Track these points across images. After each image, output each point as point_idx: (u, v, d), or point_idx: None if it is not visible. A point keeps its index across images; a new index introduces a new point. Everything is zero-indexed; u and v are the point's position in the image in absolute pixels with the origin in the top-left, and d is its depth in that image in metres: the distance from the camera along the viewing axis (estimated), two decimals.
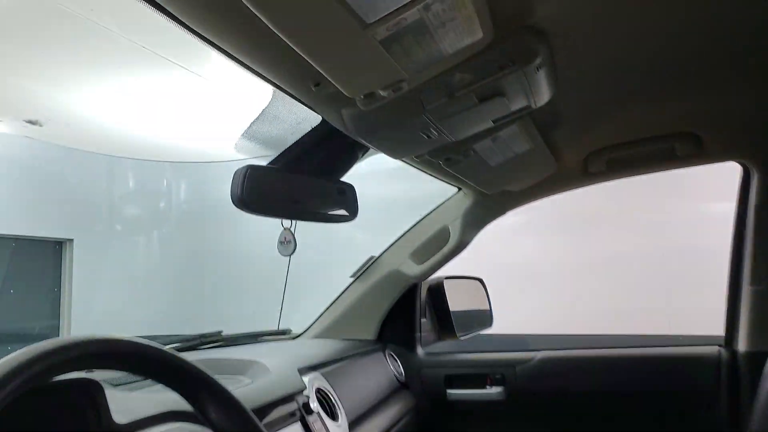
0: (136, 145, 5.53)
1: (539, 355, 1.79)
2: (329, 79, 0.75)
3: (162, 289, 5.80)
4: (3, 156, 4.77)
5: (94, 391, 0.70)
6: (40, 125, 4.62)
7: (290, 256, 1.16)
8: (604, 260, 4.08)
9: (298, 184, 1.11)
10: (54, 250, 5.28)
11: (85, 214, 5.44)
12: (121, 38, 3.66)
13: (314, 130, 1.15)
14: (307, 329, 1.95)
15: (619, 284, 4.02)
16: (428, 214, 1.83)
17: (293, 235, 1.16)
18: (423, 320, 1.97)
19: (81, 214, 5.39)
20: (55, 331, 5.27)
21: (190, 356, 1.48)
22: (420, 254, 1.80)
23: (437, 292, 1.96)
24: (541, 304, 4.16)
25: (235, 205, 1.00)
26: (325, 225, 1.25)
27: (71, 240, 5.30)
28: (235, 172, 1.02)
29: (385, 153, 1.16)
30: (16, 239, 4.89)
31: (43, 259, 5.21)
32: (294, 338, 1.95)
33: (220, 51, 0.76)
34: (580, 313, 4.05)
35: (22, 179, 4.93)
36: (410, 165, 1.36)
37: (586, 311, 4.05)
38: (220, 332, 1.72)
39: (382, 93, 0.82)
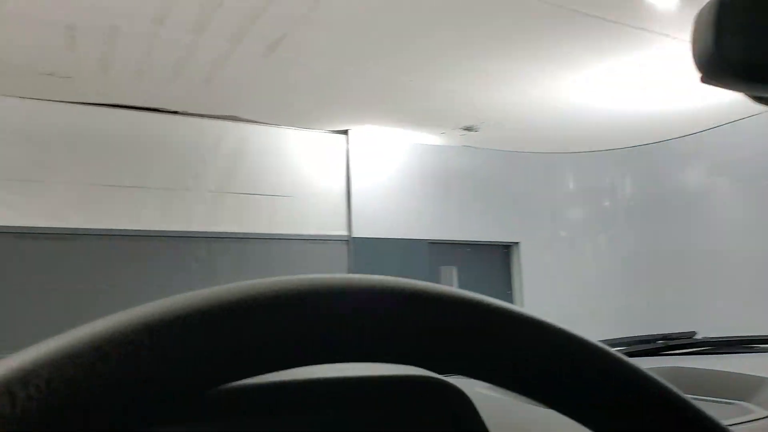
0: (578, 137, 5.19)
1: None
2: None
3: (614, 291, 5.37)
4: (450, 168, 5.24)
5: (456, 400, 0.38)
6: (476, 130, 4.82)
7: None
8: None
9: None
10: (503, 253, 5.50)
11: (529, 218, 5.51)
12: (562, 10, 2.95)
13: None
14: None
15: None
16: None
17: None
18: None
19: (525, 218, 5.48)
20: None
21: (649, 362, 1.03)
22: None
23: None
24: None
25: (703, 73, 0.50)
26: None
27: (518, 243, 5.42)
28: (698, 14, 0.52)
29: None
30: (470, 245, 5.28)
31: (494, 262, 5.49)
32: None
33: None
34: None
35: (470, 189, 5.32)
36: None
37: None
38: (692, 333, 1.26)
39: None
